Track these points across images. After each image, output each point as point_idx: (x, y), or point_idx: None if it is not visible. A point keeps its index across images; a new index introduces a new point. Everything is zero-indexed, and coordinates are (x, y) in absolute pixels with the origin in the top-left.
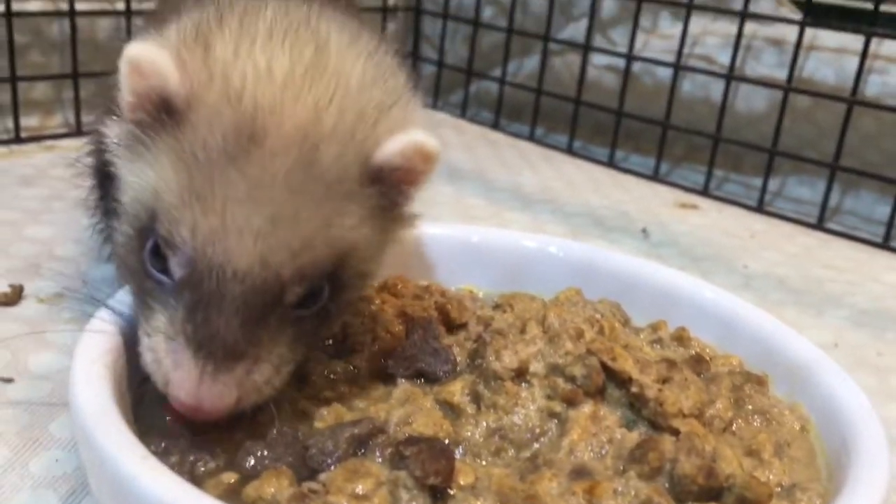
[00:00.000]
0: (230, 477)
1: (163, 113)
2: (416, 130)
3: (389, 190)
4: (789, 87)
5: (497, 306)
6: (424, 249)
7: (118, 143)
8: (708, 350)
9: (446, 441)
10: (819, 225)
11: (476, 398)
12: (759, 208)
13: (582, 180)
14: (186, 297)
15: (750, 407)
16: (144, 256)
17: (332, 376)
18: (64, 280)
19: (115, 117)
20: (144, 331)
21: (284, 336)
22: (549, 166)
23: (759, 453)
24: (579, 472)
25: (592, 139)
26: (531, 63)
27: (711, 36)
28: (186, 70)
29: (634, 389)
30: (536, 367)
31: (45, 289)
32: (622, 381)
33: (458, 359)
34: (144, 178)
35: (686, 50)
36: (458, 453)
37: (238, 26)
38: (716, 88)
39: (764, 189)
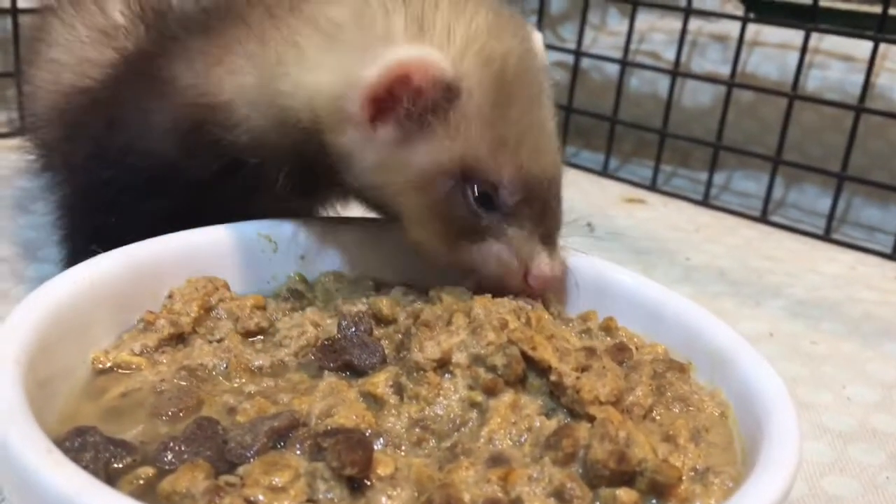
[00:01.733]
0: (147, 472)
1: (435, 101)
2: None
3: None
4: (733, 83)
5: (428, 299)
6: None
7: (386, 146)
8: (635, 339)
9: (367, 432)
10: (763, 218)
11: (399, 389)
12: (705, 202)
13: None
14: (527, 211)
15: (670, 394)
16: (470, 202)
17: (255, 370)
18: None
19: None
20: (479, 251)
21: None
22: None
23: (675, 439)
24: (496, 460)
25: None
26: None
27: (658, 32)
28: (448, 56)
29: (553, 378)
30: (459, 357)
31: None
32: (542, 369)
33: (387, 351)
34: (441, 151)
35: (633, 46)
36: (379, 444)
37: (435, 4)
38: (663, 84)
39: (709, 183)
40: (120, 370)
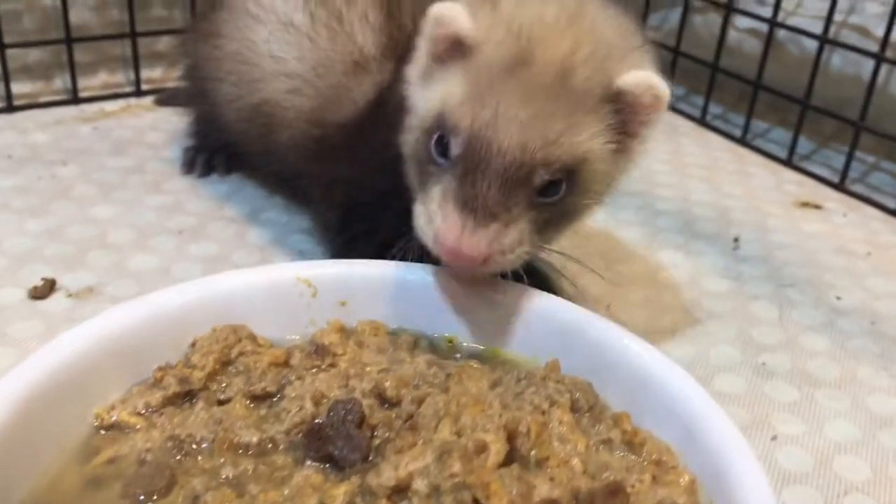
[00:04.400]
0: None
1: (452, 52)
2: (652, 73)
3: (623, 114)
4: None
5: (448, 376)
6: (421, 292)
7: (415, 79)
8: (664, 458)
9: None
10: None
11: None
12: None
13: (699, 162)
14: (459, 169)
15: None
16: (430, 146)
17: (242, 448)
18: (98, 274)
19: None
20: (422, 202)
21: (527, 216)
22: (667, 140)
23: None
24: None
25: (736, 106)
26: (675, 17)
27: (872, 1)
28: (477, 19)
29: None
30: (420, 485)
31: (81, 280)
32: None
33: (381, 441)
34: (434, 93)
35: (840, 17)
36: None
37: None
38: (869, 66)
39: None
40: (119, 429)
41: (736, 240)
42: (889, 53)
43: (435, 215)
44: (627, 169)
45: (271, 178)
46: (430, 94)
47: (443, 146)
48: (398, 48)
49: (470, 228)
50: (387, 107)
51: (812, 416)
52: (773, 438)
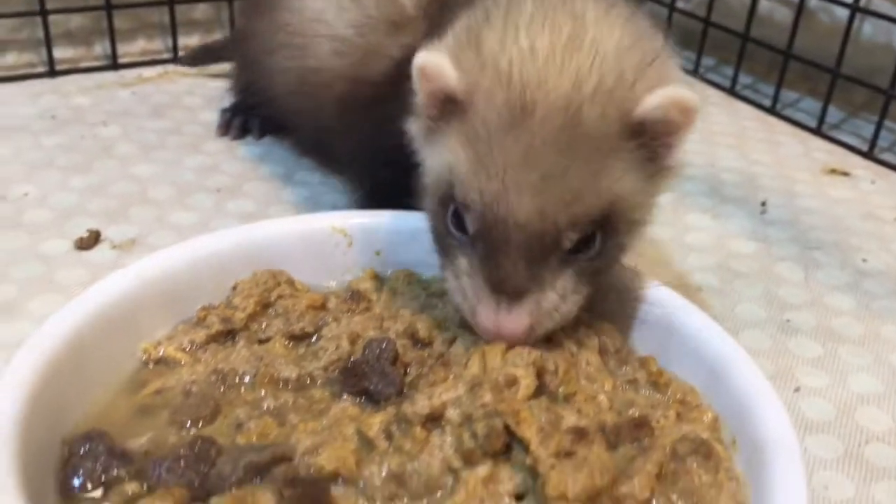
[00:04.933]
0: (133, 488)
1: (448, 106)
2: (673, 86)
3: (651, 143)
4: None
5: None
6: None
7: (419, 137)
8: (689, 398)
9: (339, 480)
10: None
11: (390, 436)
12: None
13: (728, 130)
14: (480, 247)
15: (681, 485)
16: (447, 219)
17: (282, 382)
18: (141, 227)
19: (413, 116)
20: (452, 274)
21: (565, 274)
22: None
23: None
24: None
25: (766, 76)
26: None
27: None
28: (462, 67)
29: (529, 461)
30: (453, 414)
31: (124, 233)
32: (527, 446)
33: (414, 377)
34: (441, 158)
35: None
36: (353, 492)
37: (503, 19)
38: None
39: None
40: (166, 364)
41: (763, 204)
42: None
43: (467, 293)
44: (666, 186)
45: (304, 141)
46: (436, 159)
47: (457, 219)
48: (432, 7)
49: (505, 308)
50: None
51: (835, 370)
52: (797, 390)
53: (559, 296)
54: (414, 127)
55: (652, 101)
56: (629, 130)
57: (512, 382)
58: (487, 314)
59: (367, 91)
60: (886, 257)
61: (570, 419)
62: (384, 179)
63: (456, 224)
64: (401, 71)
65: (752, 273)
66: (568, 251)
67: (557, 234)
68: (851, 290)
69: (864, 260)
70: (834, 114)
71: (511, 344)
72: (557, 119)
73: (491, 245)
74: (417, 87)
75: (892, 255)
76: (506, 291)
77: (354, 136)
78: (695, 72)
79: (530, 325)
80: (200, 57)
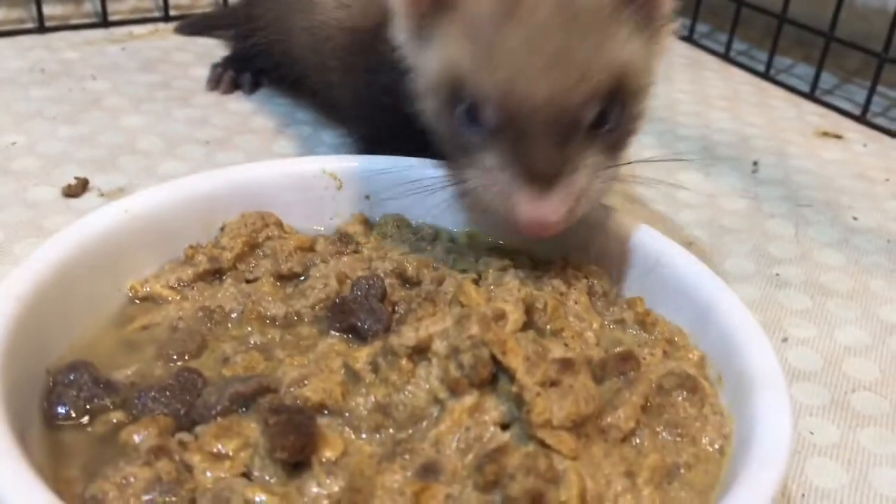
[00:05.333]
0: (118, 416)
1: (436, 4)
2: None
3: (642, 7)
4: None
5: (467, 262)
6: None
7: (407, 41)
8: (676, 338)
9: (325, 411)
10: None
11: (376, 368)
12: None
13: (722, 94)
14: (503, 139)
15: (666, 417)
16: (458, 117)
17: (268, 319)
18: (129, 176)
19: (396, 20)
20: (475, 172)
21: (591, 150)
22: (690, 73)
23: (634, 476)
24: (427, 470)
25: (760, 43)
26: None
27: None
28: None
29: (515, 389)
30: (439, 346)
31: (112, 182)
32: (512, 376)
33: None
34: (441, 57)
35: None
36: (339, 422)
37: None
38: None
39: None
40: (153, 301)
41: (755, 163)
42: None
43: (499, 187)
44: (663, 51)
45: (302, 93)
46: (435, 59)
47: (471, 115)
48: None
49: (540, 198)
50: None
51: (823, 322)
52: (784, 340)
53: (590, 173)
54: (400, 32)
55: None
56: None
57: (500, 316)
58: (526, 204)
59: (364, 39)
60: (877, 216)
61: (556, 351)
62: (381, 124)
63: (470, 120)
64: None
65: (743, 229)
66: (589, 128)
67: (577, 112)
68: (841, 246)
69: (855, 218)
70: (827, 80)
71: (549, 232)
72: (551, 0)
73: (515, 134)
74: None
75: (883, 214)
76: (540, 178)
77: (352, 82)
78: (689, 38)
79: (570, 209)
80: (197, 27)
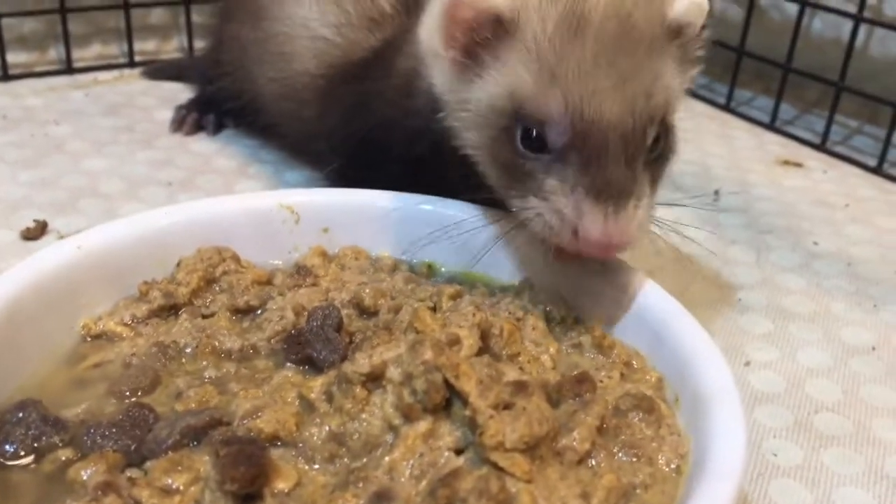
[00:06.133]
0: (67, 454)
1: (494, 32)
2: None
3: (685, 43)
4: None
5: (427, 291)
6: (393, 218)
7: (447, 80)
8: (634, 362)
9: (278, 443)
10: None
11: (331, 398)
12: (879, 170)
13: (683, 126)
14: (574, 157)
15: (623, 438)
16: (517, 144)
17: (223, 353)
18: (90, 218)
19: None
20: (537, 199)
21: (646, 177)
22: None
23: (589, 497)
24: (380, 497)
25: (721, 77)
26: None
27: None
28: None
29: (468, 413)
30: (394, 373)
31: (73, 224)
32: (466, 400)
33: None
34: (495, 85)
35: None
36: (293, 453)
37: None
38: (849, 27)
39: (886, 147)
40: (106, 338)
41: (716, 192)
42: (867, 14)
43: (565, 211)
44: (686, 93)
45: (267, 133)
46: (484, 89)
47: (534, 139)
48: (408, 3)
49: (613, 216)
50: (390, 59)
51: (786, 345)
52: (747, 364)
53: (649, 205)
54: (439, 73)
55: (681, 5)
56: (669, 33)
57: (455, 342)
58: (596, 224)
59: (349, 70)
60: (838, 241)
61: (511, 374)
62: (361, 157)
63: (531, 146)
64: (377, 56)
65: (704, 256)
66: (649, 150)
67: (643, 132)
68: (802, 271)
69: (816, 243)
70: (787, 111)
71: (618, 251)
72: (613, 25)
73: (585, 153)
74: (445, 26)
75: (843, 239)
76: (613, 195)
77: (333, 115)
78: None
79: (635, 230)
80: (166, 72)
